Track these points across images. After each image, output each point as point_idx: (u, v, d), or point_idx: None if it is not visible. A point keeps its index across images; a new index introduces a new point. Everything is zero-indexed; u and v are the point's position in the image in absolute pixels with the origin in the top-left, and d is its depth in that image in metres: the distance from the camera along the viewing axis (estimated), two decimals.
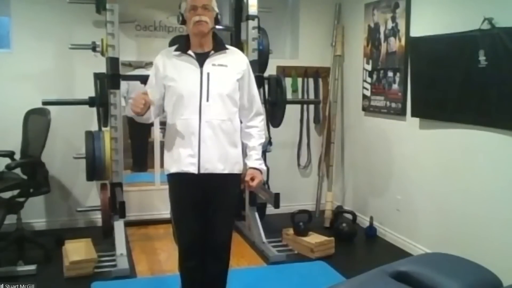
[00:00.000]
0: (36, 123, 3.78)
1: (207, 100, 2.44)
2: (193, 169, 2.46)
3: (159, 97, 2.53)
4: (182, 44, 2.53)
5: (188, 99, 2.44)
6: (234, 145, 2.55)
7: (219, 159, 2.48)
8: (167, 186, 2.62)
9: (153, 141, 4.71)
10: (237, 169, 2.58)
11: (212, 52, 2.50)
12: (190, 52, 2.49)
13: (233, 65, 2.52)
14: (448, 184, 3.54)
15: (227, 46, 2.58)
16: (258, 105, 2.65)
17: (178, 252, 2.65)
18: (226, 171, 2.51)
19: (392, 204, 4.19)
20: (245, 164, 2.62)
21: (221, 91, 2.46)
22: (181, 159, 2.47)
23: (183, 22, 2.52)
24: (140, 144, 5.24)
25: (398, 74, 4.04)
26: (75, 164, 4.13)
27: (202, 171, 2.46)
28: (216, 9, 2.50)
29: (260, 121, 2.65)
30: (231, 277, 2.70)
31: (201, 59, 2.48)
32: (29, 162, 3.69)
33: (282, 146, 4.86)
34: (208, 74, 2.45)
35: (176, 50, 2.53)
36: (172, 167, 2.51)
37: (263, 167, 2.62)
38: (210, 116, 2.44)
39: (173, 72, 2.49)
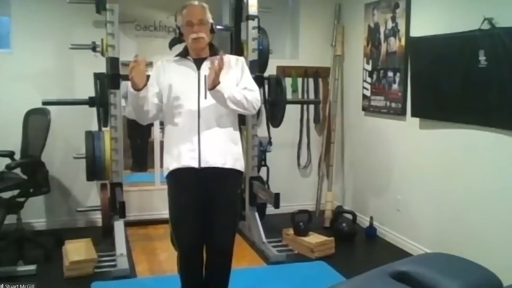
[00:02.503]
0: (36, 123, 3.78)
1: (205, 97, 2.48)
2: (194, 163, 2.47)
3: (158, 91, 2.55)
4: (182, 51, 2.62)
5: (186, 98, 2.49)
6: (234, 142, 2.58)
7: (220, 153, 2.50)
8: (167, 186, 2.62)
9: (153, 141, 4.71)
10: (238, 165, 2.59)
11: (209, 57, 2.56)
12: (189, 57, 2.58)
13: (228, 66, 2.56)
14: (448, 184, 3.54)
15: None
16: (252, 86, 2.57)
17: (178, 254, 2.65)
18: (227, 166, 2.52)
19: (392, 204, 4.19)
20: (246, 164, 2.63)
21: None
22: (182, 155, 2.49)
23: (180, 35, 2.58)
24: (140, 144, 5.24)
25: (398, 74, 4.04)
26: (75, 164, 4.13)
27: (203, 165, 2.47)
28: (211, 20, 2.56)
29: (248, 93, 2.52)
30: (231, 277, 2.70)
31: (198, 63, 2.56)
32: (29, 162, 3.69)
33: (282, 146, 4.86)
34: (205, 76, 2.51)
35: (176, 55, 2.63)
36: (172, 164, 2.53)
37: (223, 89, 2.40)
38: (208, 113, 2.48)
39: (172, 74, 2.56)
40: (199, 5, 2.54)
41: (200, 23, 2.48)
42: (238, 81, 2.56)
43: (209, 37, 2.55)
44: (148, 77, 2.52)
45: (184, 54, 2.60)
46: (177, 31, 2.60)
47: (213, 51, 2.60)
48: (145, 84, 2.43)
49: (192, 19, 2.47)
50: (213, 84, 2.37)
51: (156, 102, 2.55)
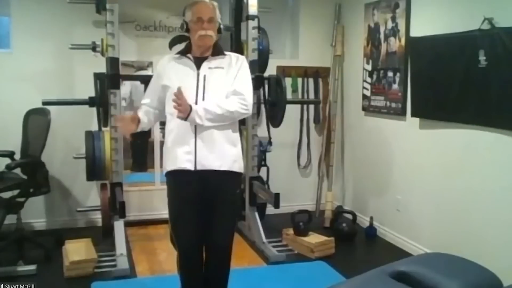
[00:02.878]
0: (36, 123, 3.78)
1: (203, 99, 2.47)
2: (190, 166, 2.47)
3: (157, 98, 2.60)
4: (184, 48, 2.61)
5: None
6: (232, 143, 2.56)
7: (216, 156, 2.49)
8: (166, 186, 2.63)
9: (153, 141, 4.71)
10: (236, 167, 2.58)
11: (210, 56, 2.55)
12: (189, 55, 2.56)
13: (229, 66, 2.56)
14: (448, 184, 3.54)
15: (226, 52, 2.62)
16: (240, 87, 2.51)
17: (177, 254, 2.66)
18: (223, 168, 2.51)
19: (392, 204, 4.19)
20: (246, 164, 2.63)
21: (216, 92, 2.49)
22: (178, 157, 2.49)
23: (187, 30, 2.56)
24: (140, 144, 5.23)
25: (398, 74, 4.04)
26: (75, 164, 4.13)
27: (198, 168, 2.47)
28: (219, 20, 2.56)
29: (231, 102, 2.48)
30: (231, 277, 2.70)
31: (198, 62, 2.53)
32: (29, 162, 3.69)
33: (282, 146, 4.86)
34: (204, 76, 2.50)
35: (177, 53, 2.61)
36: (169, 165, 2.54)
37: (200, 111, 2.40)
38: None
39: (171, 74, 2.54)
40: (210, 3, 2.54)
41: (210, 21, 2.47)
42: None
43: (216, 35, 2.54)
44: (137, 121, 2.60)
45: (184, 52, 2.58)
46: (185, 26, 2.55)
47: (216, 50, 2.57)
48: (138, 121, 2.58)
49: (202, 16, 2.46)
50: (184, 115, 2.37)
51: (157, 108, 2.63)
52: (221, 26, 2.59)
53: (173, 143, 2.51)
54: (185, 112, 2.37)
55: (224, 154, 2.51)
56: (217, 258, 2.62)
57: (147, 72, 4.62)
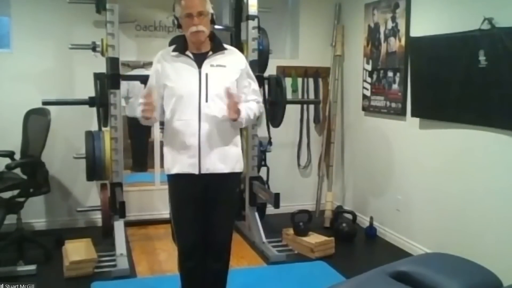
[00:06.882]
0: (36, 123, 3.78)
1: (206, 100, 2.44)
2: (194, 170, 2.46)
3: (159, 97, 2.53)
4: (179, 44, 2.53)
5: (187, 100, 2.45)
6: (234, 144, 2.57)
7: (220, 159, 2.48)
8: (167, 186, 2.62)
9: (153, 141, 4.71)
10: (238, 168, 2.58)
11: (211, 53, 2.50)
12: (188, 53, 2.50)
13: (231, 65, 2.53)
14: (448, 184, 3.54)
15: (226, 46, 2.58)
16: (259, 97, 2.69)
17: (178, 253, 2.66)
18: (227, 171, 2.52)
19: (392, 204, 4.19)
20: (246, 164, 2.63)
21: (219, 91, 2.46)
22: (182, 160, 2.47)
23: (179, 26, 2.50)
24: (140, 144, 5.24)
25: (398, 74, 4.04)
26: (75, 164, 4.14)
27: (203, 172, 2.47)
28: (211, 10, 2.49)
29: (257, 109, 2.64)
30: (231, 277, 2.70)
31: (199, 60, 2.48)
32: (29, 162, 3.69)
33: (282, 146, 4.86)
34: (206, 75, 2.46)
35: (174, 50, 2.53)
36: (173, 168, 2.51)
37: (244, 115, 2.49)
38: (209, 116, 2.44)
39: (172, 73, 2.49)
40: None
41: (200, 15, 2.39)
42: (236, 83, 2.52)
43: (209, 27, 2.47)
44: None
45: (182, 50, 2.50)
46: (175, 22, 2.50)
47: (216, 45, 2.52)
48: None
49: (192, 11, 2.38)
50: (234, 118, 2.42)
51: (161, 104, 2.54)
52: (213, 17, 2.51)
53: (176, 145, 2.49)
54: (234, 115, 2.42)
55: (227, 156, 2.51)
56: (217, 253, 2.62)
57: (144, 70, 4.62)
